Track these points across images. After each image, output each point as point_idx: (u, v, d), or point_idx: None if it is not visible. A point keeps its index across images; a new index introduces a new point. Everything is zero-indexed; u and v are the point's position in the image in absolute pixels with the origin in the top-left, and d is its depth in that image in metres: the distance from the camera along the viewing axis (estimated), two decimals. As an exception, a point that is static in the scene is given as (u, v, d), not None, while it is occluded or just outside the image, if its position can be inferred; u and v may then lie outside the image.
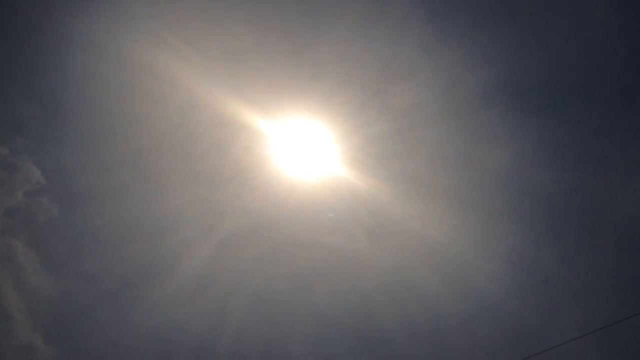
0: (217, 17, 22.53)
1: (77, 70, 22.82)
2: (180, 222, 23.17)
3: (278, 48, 22.87)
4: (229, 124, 22.89)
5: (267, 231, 23.52)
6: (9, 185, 23.14)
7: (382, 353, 22.75)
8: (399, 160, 23.75)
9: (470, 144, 23.92)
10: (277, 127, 23.08)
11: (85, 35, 22.31)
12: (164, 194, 23.37)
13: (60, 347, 22.07)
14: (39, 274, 22.90)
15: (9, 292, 22.51)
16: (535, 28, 23.75)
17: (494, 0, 23.58)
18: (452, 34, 23.45)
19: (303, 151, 23.58)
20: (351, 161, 23.41)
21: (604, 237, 23.03)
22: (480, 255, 23.29)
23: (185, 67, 22.48)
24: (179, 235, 23.13)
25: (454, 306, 22.96)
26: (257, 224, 23.53)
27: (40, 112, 23.49)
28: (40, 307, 22.66)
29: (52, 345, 22.04)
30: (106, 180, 23.25)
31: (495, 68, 23.42)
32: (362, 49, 23.26)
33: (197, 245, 23.13)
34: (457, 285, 23.15)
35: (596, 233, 23.19)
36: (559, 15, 23.62)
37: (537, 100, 24.12)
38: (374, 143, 23.55)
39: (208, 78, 22.63)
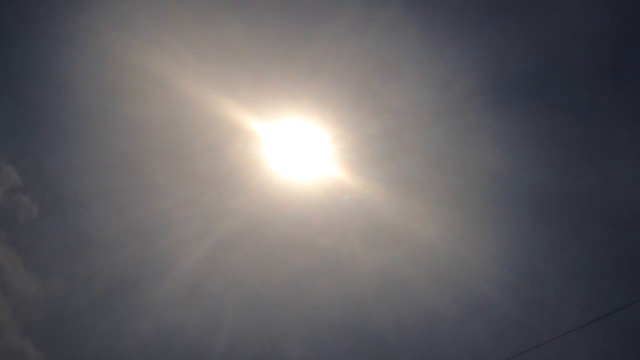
0: (210, 17, 22.16)
1: (65, 69, 22.31)
2: (172, 224, 22.87)
3: (272, 48, 22.63)
4: (222, 125, 22.58)
5: (260, 233, 23.37)
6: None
7: (376, 352, 22.84)
8: (393, 161, 23.73)
9: (464, 144, 24.01)
10: (271, 128, 22.86)
11: (74, 34, 21.84)
12: (156, 195, 23.02)
13: (51, 352, 21.74)
14: (24, 275, 22.45)
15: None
16: (528, 24, 23.75)
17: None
18: (447, 33, 23.44)
19: (297, 152, 23.40)
20: (345, 162, 23.29)
21: (598, 222, 23.11)
22: (474, 254, 23.38)
23: (177, 67, 22.11)
24: (172, 237, 22.82)
25: (447, 305, 23.00)
26: (251, 225, 23.36)
27: (22, 111, 22.92)
28: (27, 311, 22.22)
29: (43, 350, 21.71)
30: (97, 182, 22.82)
31: (490, 67, 23.53)
32: (356, 49, 23.10)
33: (190, 248, 22.86)
34: (451, 285, 23.21)
35: (590, 219, 23.25)
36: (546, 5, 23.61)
37: (530, 97, 24.28)
38: (368, 144, 23.42)
39: (201, 78, 22.27)
